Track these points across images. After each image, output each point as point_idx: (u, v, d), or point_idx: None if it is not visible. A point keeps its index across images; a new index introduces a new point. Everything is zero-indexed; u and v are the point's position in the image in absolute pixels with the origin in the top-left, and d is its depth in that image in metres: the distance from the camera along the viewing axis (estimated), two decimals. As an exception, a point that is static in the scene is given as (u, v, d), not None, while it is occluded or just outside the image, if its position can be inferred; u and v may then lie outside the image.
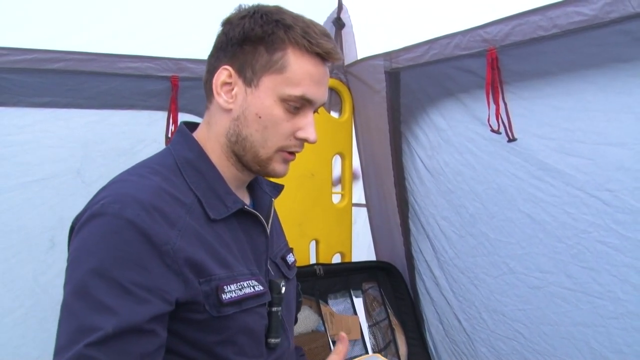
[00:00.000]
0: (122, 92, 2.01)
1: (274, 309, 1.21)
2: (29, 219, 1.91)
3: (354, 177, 2.70)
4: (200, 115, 2.13)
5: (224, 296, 1.08)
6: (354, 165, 2.67)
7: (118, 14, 1.91)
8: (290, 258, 1.40)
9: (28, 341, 1.95)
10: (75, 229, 1.04)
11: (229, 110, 1.16)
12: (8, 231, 1.88)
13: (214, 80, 1.16)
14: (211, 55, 1.21)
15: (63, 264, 1.94)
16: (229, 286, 1.10)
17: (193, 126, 1.26)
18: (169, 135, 2.07)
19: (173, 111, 2.07)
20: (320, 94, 1.16)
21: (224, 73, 1.15)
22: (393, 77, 2.26)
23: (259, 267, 1.21)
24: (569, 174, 1.73)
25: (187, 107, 2.13)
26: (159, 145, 2.06)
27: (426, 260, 2.40)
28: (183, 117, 2.09)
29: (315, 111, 1.20)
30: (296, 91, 1.12)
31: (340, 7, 2.43)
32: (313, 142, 1.18)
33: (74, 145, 1.97)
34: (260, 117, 1.13)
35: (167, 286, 1.01)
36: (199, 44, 2.09)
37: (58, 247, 1.96)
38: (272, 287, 1.22)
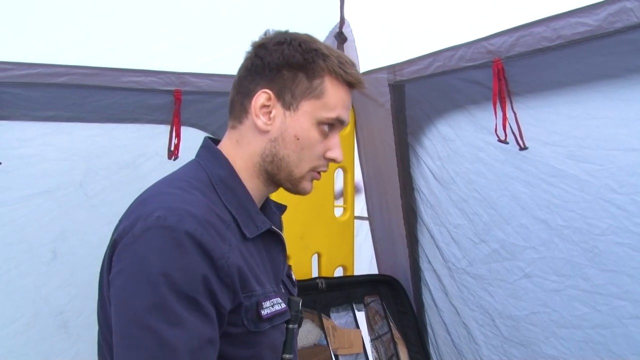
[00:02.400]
0: (125, 106, 2.02)
1: (290, 326, 1.24)
2: (31, 231, 1.92)
3: (355, 190, 2.70)
4: (204, 128, 2.17)
5: (263, 312, 1.12)
6: (355, 178, 2.67)
7: (121, 29, 1.93)
8: (292, 276, 1.43)
9: (29, 350, 1.95)
10: (125, 241, 1.03)
11: (266, 132, 1.20)
12: (10, 243, 1.89)
13: (252, 103, 1.19)
14: (244, 77, 1.23)
15: (64, 275, 1.97)
16: (265, 302, 1.14)
17: (215, 142, 1.27)
18: (172, 149, 2.07)
19: (176, 125, 2.08)
20: (348, 117, 1.25)
21: (263, 96, 1.19)
22: (397, 90, 2.27)
23: (277, 285, 1.24)
24: (583, 180, 1.73)
25: (190, 121, 2.14)
26: (162, 158, 2.07)
27: (435, 270, 2.40)
28: (186, 130, 2.10)
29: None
30: (332, 114, 1.20)
31: (342, 21, 2.44)
32: (340, 162, 1.26)
33: (77, 159, 1.98)
34: (298, 139, 1.19)
35: (222, 299, 1.04)
36: (201, 58, 2.12)
37: (59, 259, 1.97)
38: (290, 304, 1.25)
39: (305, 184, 1.25)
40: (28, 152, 1.89)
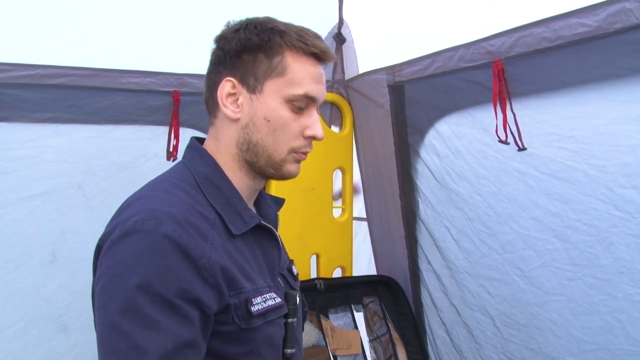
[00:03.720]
0: (124, 107, 2.02)
1: (290, 320, 1.23)
2: (30, 233, 1.91)
3: (354, 191, 2.70)
4: (203, 129, 2.16)
5: (252, 308, 1.11)
6: (354, 179, 2.67)
7: (120, 30, 1.92)
8: (294, 269, 1.42)
9: (28, 354, 1.94)
10: (105, 247, 1.04)
11: (236, 120, 1.18)
12: (9, 244, 1.88)
13: (218, 93, 1.18)
14: (210, 72, 1.23)
15: (63, 278, 1.97)
16: (255, 299, 1.12)
17: (201, 142, 1.27)
18: (171, 150, 2.07)
19: (175, 126, 2.07)
20: (320, 92, 1.20)
21: (227, 85, 1.17)
22: (397, 91, 2.28)
23: (272, 279, 1.23)
24: (590, 175, 1.73)
25: (188, 122, 2.14)
26: (161, 159, 2.06)
27: (434, 271, 2.40)
28: (185, 131, 2.10)
29: (318, 111, 1.24)
30: (299, 90, 1.16)
31: (340, 22, 2.44)
32: (320, 139, 1.22)
33: (76, 160, 1.98)
34: (268, 121, 1.17)
35: (207, 299, 1.03)
36: (200, 59, 2.10)
37: (59, 261, 1.96)
38: (288, 298, 1.24)
39: (289, 167, 1.21)
40: (27, 154, 1.88)
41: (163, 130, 2.09)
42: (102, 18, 1.90)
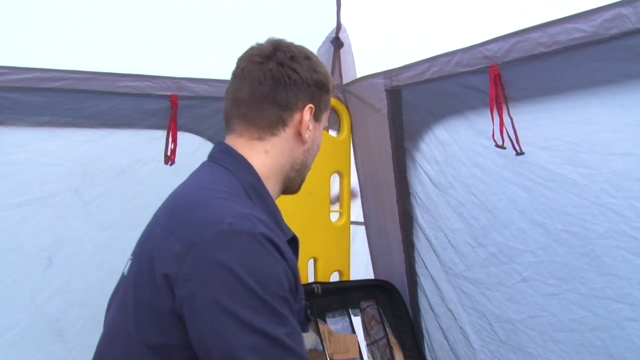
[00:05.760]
0: (122, 111, 2.01)
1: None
2: (27, 238, 1.90)
3: (352, 195, 2.70)
4: (201, 134, 2.17)
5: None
6: (352, 183, 2.67)
7: (117, 33, 1.92)
8: None
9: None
10: (200, 252, 1.01)
11: (304, 143, 1.28)
12: (5, 250, 1.87)
13: (301, 116, 1.26)
14: (279, 90, 1.24)
15: (60, 283, 1.95)
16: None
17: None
18: (168, 154, 2.06)
19: (172, 130, 2.07)
20: None
21: (310, 111, 1.27)
22: (394, 95, 2.28)
23: None
24: (580, 184, 1.73)
25: (186, 126, 2.14)
26: (158, 164, 2.06)
27: (431, 275, 2.39)
28: (182, 135, 2.10)
29: None
30: (326, 124, 1.38)
31: (338, 26, 2.44)
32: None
33: (73, 164, 1.97)
34: (317, 147, 1.35)
35: (292, 300, 1.07)
36: (198, 62, 2.12)
37: (55, 266, 1.95)
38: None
39: None
40: (24, 158, 1.87)
41: (161, 134, 2.08)
42: (99, 22, 1.89)
